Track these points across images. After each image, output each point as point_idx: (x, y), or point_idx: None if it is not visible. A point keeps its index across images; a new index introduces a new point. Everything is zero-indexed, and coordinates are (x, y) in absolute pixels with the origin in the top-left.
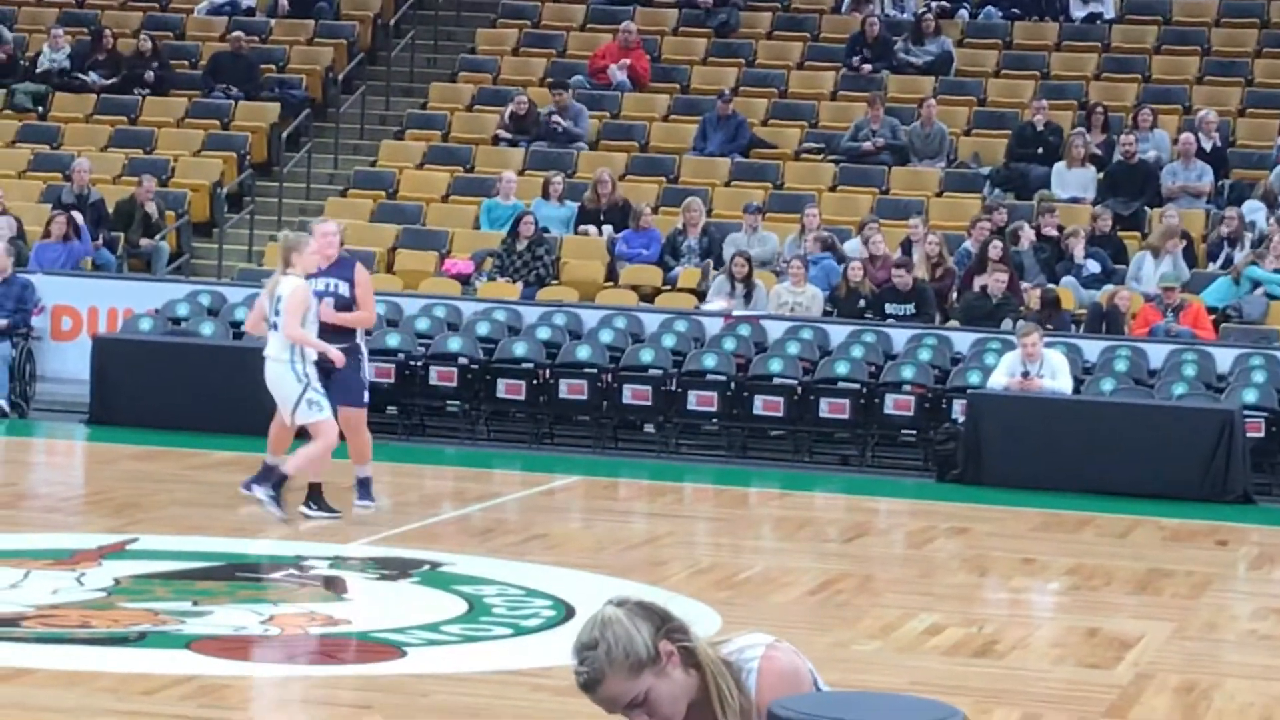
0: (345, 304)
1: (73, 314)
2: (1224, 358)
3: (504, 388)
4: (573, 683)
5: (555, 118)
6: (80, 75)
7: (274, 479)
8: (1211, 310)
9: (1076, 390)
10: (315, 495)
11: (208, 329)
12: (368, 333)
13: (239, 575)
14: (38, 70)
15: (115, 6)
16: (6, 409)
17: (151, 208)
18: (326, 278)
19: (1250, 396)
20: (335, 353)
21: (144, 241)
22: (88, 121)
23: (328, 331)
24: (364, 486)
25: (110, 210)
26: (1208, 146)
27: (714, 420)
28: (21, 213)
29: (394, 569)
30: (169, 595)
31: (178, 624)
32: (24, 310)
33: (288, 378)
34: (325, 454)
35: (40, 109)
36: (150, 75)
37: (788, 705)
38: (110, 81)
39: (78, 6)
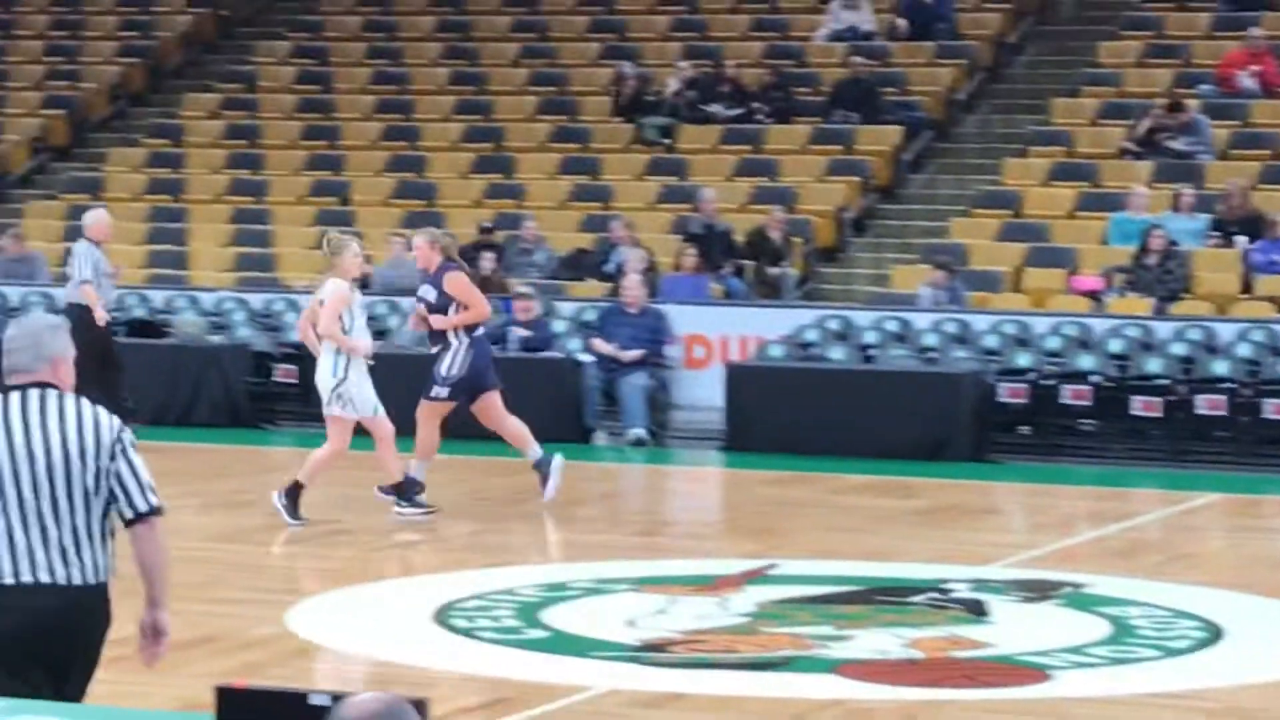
0: (432, 309)
1: (705, 342)
2: None
3: (1139, 405)
4: (1226, 704)
5: (1170, 142)
6: (704, 107)
7: (390, 485)
8: None
9: None
10: (292, 494)
11: (838, 353)
12: (470, 330)
13: (879, 599)
14: (664, 103)
15: (737, 37)
16: (645, 437)
17: (777, 234)
18: (425, 285)
19: None
20: (362, 347)
21: (771, 269)
22: (713, 152)
23: (432, 332)
24: (410, 486)
25: (738, 238)
26: None
27: None
28: (652, 244)
29: (1035, 591)
30: (811, 619)
31: (821, 648)
32: (658, 341)
33: (325, 370)
34: (333, 459)
35: (667, 141)
36: (772, 103)
37: None
38: (734, 112)
39: (700, 39)
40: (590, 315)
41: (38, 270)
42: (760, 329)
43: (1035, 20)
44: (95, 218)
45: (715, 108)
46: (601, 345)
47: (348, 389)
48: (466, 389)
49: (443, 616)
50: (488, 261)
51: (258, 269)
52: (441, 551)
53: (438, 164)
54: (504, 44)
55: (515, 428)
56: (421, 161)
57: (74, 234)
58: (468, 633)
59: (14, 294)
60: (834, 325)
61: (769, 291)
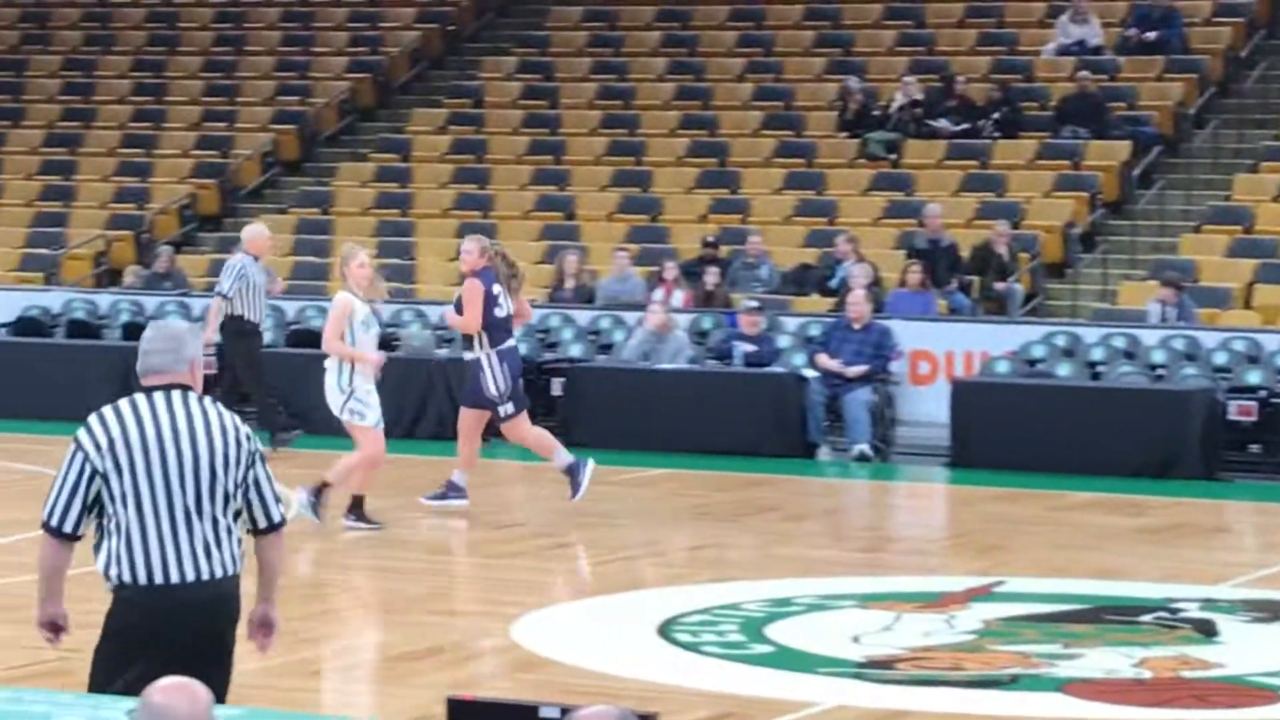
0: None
1: (930, 358)
2: None
3: None
4: None
5: None
6: (930, 122)
7: (315, 485)
8: None
9: None
10: (356, 507)
11: (1064, 369)
12: (493, 341)
13: (1107, 617)
14: (889, 118)
15: (964, 52)
16: (869, 453)
17: (1003, 250)
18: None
19: None
20: (370, 359)
21: (998, 284)
22: (939, 167)
23: (465, 337)
24: (572, 471)
25: (964, 254)
26: None
27: None
28: (877, 260)
29: (1267, 611)
30: (1038, 638)
31: (1048, 667)
32: (883, 356)
33: (332, 386)
34: (364, 464)
35: (893, 157)
36: (998, 118)
37: None
38: (961, 127)
39: (928, 54)
40: (814, 330)
41: (268, 282)
42: (986, 345)
43: (1266, 34)
44: (254, 232)
45: (941, 123)
46: (826, 360)
47: (356, 400)
48: (518, 393)
49: (667, 630)
50: (712, 276)
51: None
52: (664, 566)
53: (662, 179)
54: (729, 59)
55: (474, 450)
56: (646, 176)
57: (304, 248)
58: (692, 647)
59: None
60: (1061, 341)
61: (995, 307)
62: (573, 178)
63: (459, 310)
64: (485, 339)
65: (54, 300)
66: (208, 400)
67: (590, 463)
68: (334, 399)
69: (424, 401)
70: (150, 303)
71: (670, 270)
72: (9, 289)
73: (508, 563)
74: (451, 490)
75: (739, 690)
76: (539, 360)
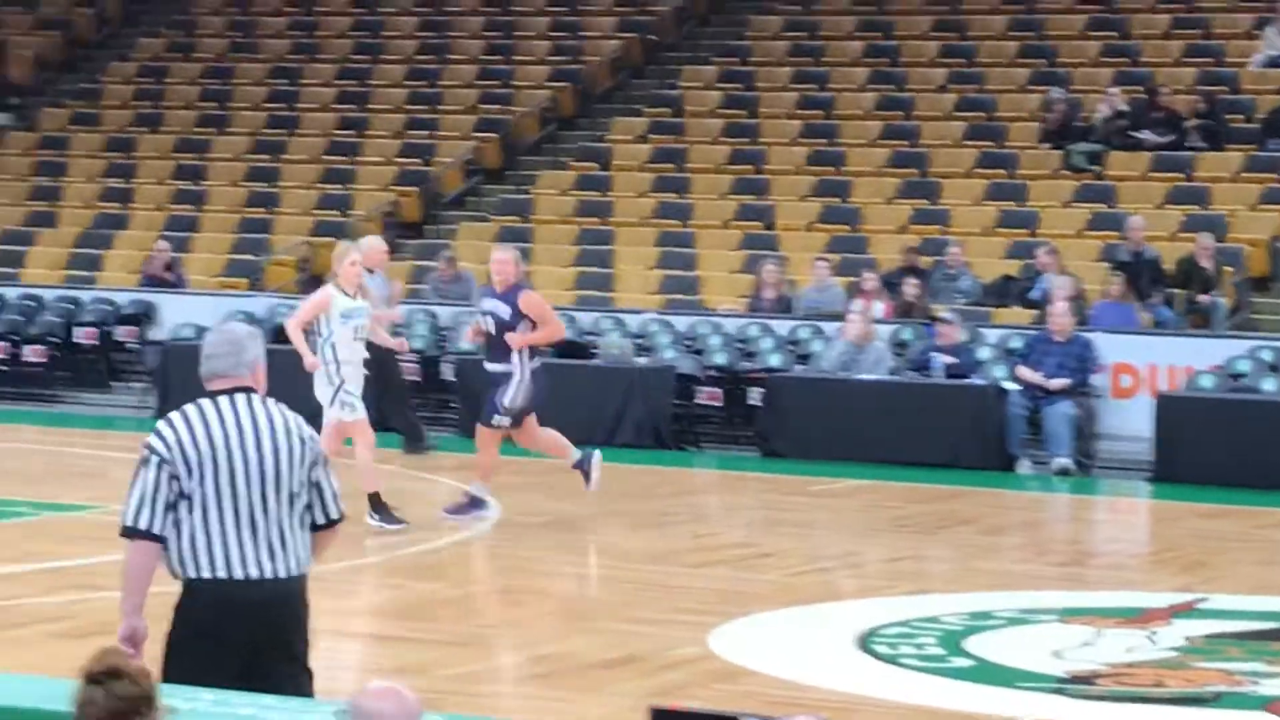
0: (504, 326)
1: (1132, 371)
2: None
3: None
4: None
5: None
6: (1135, 133)
7: (371, 502)
8: None
9: None
10: (377, 507)
11: (1270, 385)
12: (533, 353)
13: None
14: (1093, 129)
15: (1169, 63)
16: (1071, 467)
17: (1208, 263)
18: (494, 300)
19: None
20: (309, 360)
21: (1202, 298)
22: (1143, 179)
23: (496, 349)
24: (475, 503)
25: (1167, 267)
26: None
27: None
28: (1080, 271)
29: None
30: (1242, 655)
31: (1252, 685)
32: (1085, 369)
33: (321, 379)
34: (371, 456)
35: (1096, 168)
36: (1203, 130)
37: None
38: (1165, 139)
39: (1132, 65)
40: (1015, 342)
41: (470, 291)
42: (1190, 359)
43: None
44: (370, 244)
45: (1145, 134)
46: (1027, 373)
47: (346, 392)
48: (520, 415)
49: (865, 642)
50: (912, 287)
51: (682, 292)
52: (863, 577)
53: (862, 189)
54: (931, 69)
55: (550, 440)
56: (846, 186)
57: None
58: (891, 659)
59: (445, 314)
60: (1266, 356)
61: (1199, 321)
62: (772, 187)
63: (509, 325)
64: (526, 353)
65: (258, 306)
66: (271, 402)
67: (489, 509)
68: (323, 392)
69: (622, 410)
70: None
71: (870, 280)
72: (214, 294)
73: (704, 571)
74: (586, 470)
75: (938, 703)
76: (736, 369)
